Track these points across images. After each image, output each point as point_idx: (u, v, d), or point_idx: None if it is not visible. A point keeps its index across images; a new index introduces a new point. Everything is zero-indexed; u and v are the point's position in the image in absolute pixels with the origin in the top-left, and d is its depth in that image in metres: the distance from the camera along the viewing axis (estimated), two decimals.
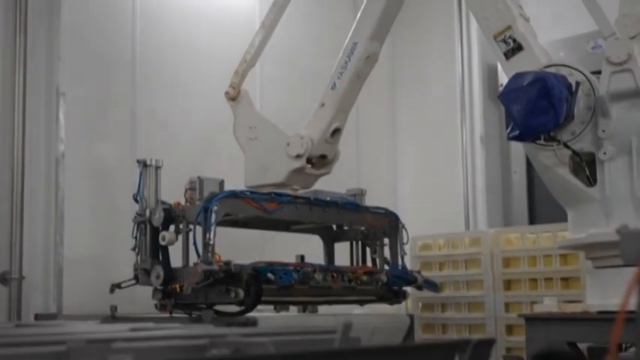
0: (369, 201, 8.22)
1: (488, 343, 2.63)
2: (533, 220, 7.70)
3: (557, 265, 6.05)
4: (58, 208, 5.99)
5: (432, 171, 8.31)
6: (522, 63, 4.02)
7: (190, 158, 6.70)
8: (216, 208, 5.04)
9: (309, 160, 5.49)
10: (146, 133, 6.64)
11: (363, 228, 6.22)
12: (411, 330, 6.87)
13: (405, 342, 6.17)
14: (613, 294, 3.79)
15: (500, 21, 4.10)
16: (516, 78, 3.89)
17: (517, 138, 3.84)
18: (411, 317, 6.95)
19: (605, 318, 4.07)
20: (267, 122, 5.74)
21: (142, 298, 6.00)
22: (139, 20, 6.67)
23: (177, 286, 5.11)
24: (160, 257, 5.30)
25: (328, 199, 5.90)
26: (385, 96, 8.48)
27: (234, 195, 5.27)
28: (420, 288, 6.19)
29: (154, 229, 5.30)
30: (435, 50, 8.27)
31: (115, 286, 5.51)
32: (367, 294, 5.90)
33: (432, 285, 6.19)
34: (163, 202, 5.34)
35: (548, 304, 5.14)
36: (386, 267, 6.13)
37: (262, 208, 5.35)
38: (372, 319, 6.71)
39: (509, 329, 6.21)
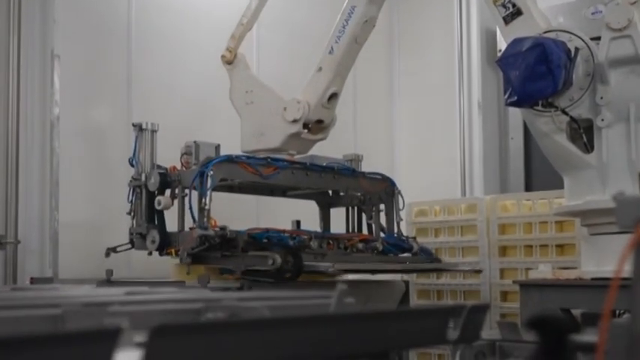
0: (366, 167, 8.22)
1: (483, 309, 2.65)
2: (529, 186, 7.72)
3: (552, 231, 6.08)
4: (54, 172, 5.99)
5: (428, 137, 8.32)
6: (521, 28, 4.02)
7: (186, 122, 6.68)
8: (212, 172, 5.05)
9: (305, 126, 5.46)
10: (142, 97, 6.60)
11: (359, 194, 6.20)
12: (406, 296, 6.90)
13: (400, 307, 6.19)
14: (608, 261, 3.81)
15: None
16: (515, 43, 3.89)
17: (515, 104, 3.85)
18: (406, 283, 6.98)
19: (599, 285, 4.10)
20: (264, 86, 5.71)
21: (138, 263, 6.04)
22: None
23: (173, 251, 5.14)
24: (156, 222, 5.31)
25: (324, 164, 5.89)
26: (383, 61, 8.46)
27: (230, 160, 5.26)
28: (415, 255, 6.17)
29: (149, 193, 5.31)
30: (433, 15, 8.25)
31: (111, 250, 5.53)
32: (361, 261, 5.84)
33: (427, 253, 6.21)
34: (159, 167, 5.35)
35: (543, 271, 5.16)
36: (382, 235, 6.15)
37: (258, 173, 5.35)
38: (366, 284, 6.74)
39: (504, 295, 6.25)
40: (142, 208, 5.35)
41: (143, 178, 5.35)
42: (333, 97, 5.49)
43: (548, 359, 2.52)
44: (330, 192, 6.26)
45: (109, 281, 5.18)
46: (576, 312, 4.56)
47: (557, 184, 4.79)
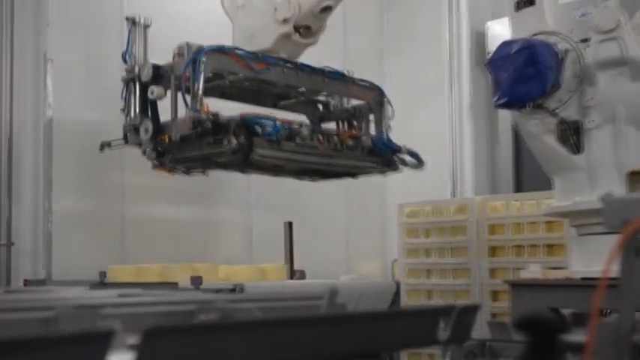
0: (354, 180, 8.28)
1: (473, 309, 2.65)
2: (518, 187, 7.74)
3: (541, 232, 6.09)
4: (47, 174, 5.98)
5: (419, 138, 8.31)
6: (529, 18, 3.98)
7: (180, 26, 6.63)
8: (204, 59, 4.97)
9: (296, 30, 5.44)
10: None
11: (349, 107, 6.06)
12: (396, 296, 6.92)
13: (391, 308, 6.20)
14: (596, 261, 3.82)
15: None
16: (504, 46, 3.90)
17: (504, 106, 3.86)
18: (397, 284, 7.00)
19: (588, 284, 4.11)
20: None
21: (131, 254, 6.06)
22: None
23: (166, 136, 5.07)
24: (149, 113, 5.23)
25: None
26: (374, 64, 8.47)
27: (221, 50, 5.18)
28: (403, 162, 6.06)
29: (142, 85, 5.22)
30: (423, 18, 8.26)
31: (105, 145, 5.49)
32: (352, 159, 5.76)
33: (415, 156, 6.09)
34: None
35: (533, 271, 5.17)
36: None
37: (250, 67, 5.26)
38: (358, 285, 6.75)
39: (494, 295, 6.26)
40: (136, 101, 5.25)
41: (136, 70, 5.24)
42: (327, 9, 5.42)
43: (537, 359, 2.53)
44: (321, 106, 6.09)
45: (102, 283, 5.18)
46: (566, 311, 4.57)
47: (546, 185, 4.80)
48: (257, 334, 2.00)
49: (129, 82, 5.28)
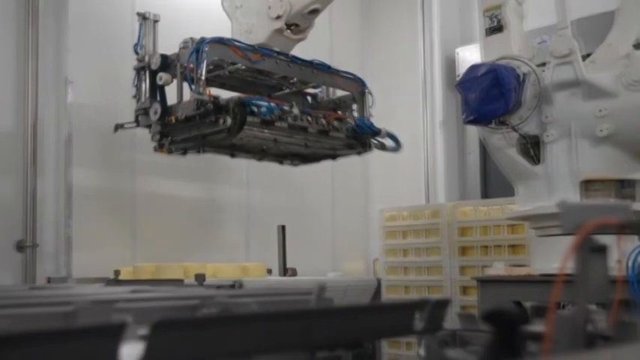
0: (344, 176, 8.27)
1: (445, 303, 2.64)
2: (485, 194, 7.74)
3: (505, 234, 6.10)
4: (67, 183, 5.97)
5: (398, 156, 8.32)
6: (496, 43, 3.98)
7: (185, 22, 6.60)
8: (206, 48, 5.01)
9: (288, 27, 5.47)
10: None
11: (335, 98, 6.05)
12: (377, 291, 6.91)
13: (372, 301, 6.18)
14: (554, 259, 3.82)
15: None
16: (472, 69, 3.90)
17: (472, 122, 3.86)
18: (378, 280, 6.99)
19: (546, 280, 4.10)
20: None
21: (142, 254, 6.05)
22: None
23: (173, 117, 5.14)
24: (158, 97, 5.29)
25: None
26: None
27: (222, 41, 5.22)
28: (383, 146, 6.08)
29: (152, 73, 5.30)
30: (401, 45, 8.26)
31: (119, 126, 5.61)
32: (338, 140, 5.76)
33: (394, 138, 6.09)
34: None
35: (498, 268, 5.17)
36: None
37: (247, 58, 5.29)
38: (343, 281, 6.73)
39: (464, 290, 6.26)
40: (146, 87, 5.34)
41: (147, 59, 5.34)
42: (315, 12, 5.46)
43: (501, 347, 2.53)
44: (310, 98, 6.05)
45: (116, 280, 5.15)
46: (527, 304, 4.57)
47: (509, 192, 4.79)
48: (254, 326, 1.99)
49: (140, 70, 5.38)
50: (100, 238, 6.15)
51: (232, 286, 4.31)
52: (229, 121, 4.94)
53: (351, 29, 7.69)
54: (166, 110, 5.20)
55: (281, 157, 6.06)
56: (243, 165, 7.28)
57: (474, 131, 6.94)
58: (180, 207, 6.77)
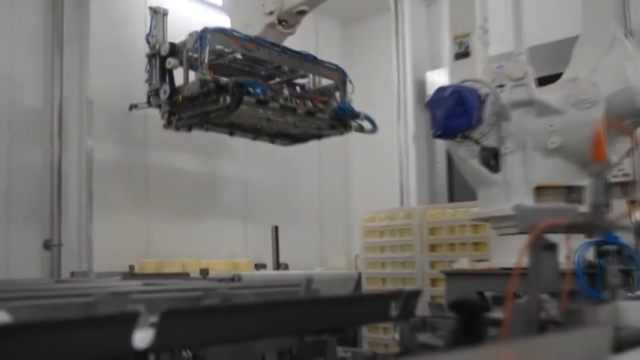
0: (329, 185, 8.27)
1: (416, 293, 2.64)
2: (451, 198, 7.74)
3: (469, 233, 6.11)
4: (88, 189, 5.95)
5: (375, 162, 8.34)
6: (462, 68, 3.96)
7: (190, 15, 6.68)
8: (209, 36, 5.06)
9: (279, 22, 5.48)
10: (158, 138, 6.56)
11: (320, 86, 6.04)
12: (358, 283, 6.90)
13: (354, 292, 6.17)
14: (511, 255, 3.81)
15: (463, 26, 3.99)
16: (439, 90, 3.89)
17: (440, 136, 3.85)
18: (359, 273, 6.98)
19: (505, 273, 4.11)
20: None
21: (155, 251, 6.02)
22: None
23: (179, 96, 5.17)
24: (167, 80, 5.33)
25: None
26: None
27: (223, 31, 5.28)
28: (361, 128, 6.08)
29: (161, 59, 5.32)
30: (378, 69, 8.27)
31: (133, 106, 5.65)
32: (323, 121, 5.77)
33: (371, 121, 6.08)
34: None
35: (463, 263, 5.19)
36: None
37: (244, 47, 5.31)
38: (328, 274, 6.73)
39: (433, 282, 6.26)
40: (157, 72, 5.36)
41: (157, 46, 5.38)
42: (302, 12, 5.48)
43: (465, 332, 2.53)
44: (298, 88, 5.91)
45: (131, 274, 5.13)
46: (488, 294, 4.57)
47: (472, 196, 4.79)
48: (250, 314, 1.98)
49: (151, 57, 5.41)
50: (117, 237, 6.13)
51: (232, 280, 4.29)
52: (228, 99, 4.96)
53: (333, 53, 7.66)
54: (174, 90, 5.24)
55: (273, 136, 6.06)
56: (241, 171, 7.28)
57: (441, 144, 6.96)
58: (187, 205, 6.75)
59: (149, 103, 5.45)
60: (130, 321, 1.60)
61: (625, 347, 1.49)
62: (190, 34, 5.21)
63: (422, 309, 3.13)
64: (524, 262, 2.29)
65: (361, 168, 8.62)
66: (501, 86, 3.69)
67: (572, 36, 3.92)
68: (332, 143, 8.46)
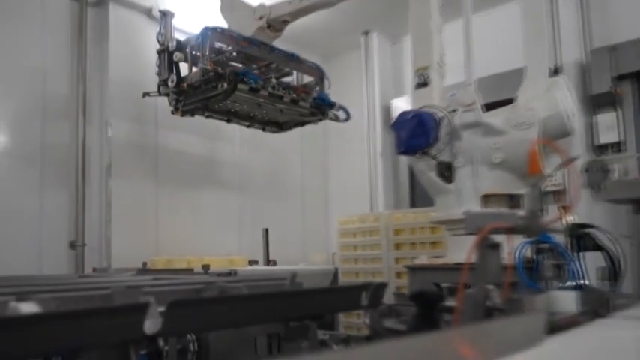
0: (311, 194, 8.25)
1: (383, 285, 2.65)
2: (413, 205, 7.76)
3: (428, 233, 6.11)
4: (107, 198, 5.92)
5: (350, 174, 8.36)
6: (422, 96, 3.94)
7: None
8: (209, 34, 5.10)
9: (268, 26, 5.50)
10: (169, 166, 6.53)
11: (302, 83, 5.93)
12: (335, 276, 6.88)
13: (331, 284, 6.16)
14: (462, 252, 3.83)
15: (423, 61, 3.98)
16: (402, 114, 3.89)
17: (403, 153, 3.85)
18: (336, 268, 6.97)
19: (457, 267, 4.11)
20: (241, 2, 5.79)
21: (165, 250, 5.98)
22: None
23: (185, 84, 5.19)
24: (174, 70, 5.34)
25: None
26: (318, 133, 8.48)
27: (220, 30, 5.28)
28: (337, 117, 6.03)
29: (169, 53, 5.36)
30: (351, 97, 8.26)
31: (146, 94, 5.62)
32: (304, 109, 5.75)
33: (345, 110, 6.06)
34: None
35: (422, 259, 5.17)
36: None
37: (238, 44, 5.32)
38: (310, 269, 6.71)
39: (398, 275, 6.25)
40: (165, 65, 5.38)
41: (166, 44, 5.41)
42: (285, 22, 5.54)
43: (425, 318, 2.53)
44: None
45: (144, 270, 5.08)
46: (444, 285, 4.57)
47: (430, 203, 4.81)
48: (244, 304, 1.98)
49: (160, 53, 5.44)
50: (132, 238, 6.09)
51: (229, 274, 4.26)
52: (225, 85, 4.98)
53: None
54: (180, 79, 5.27)
55: (263, 124, 6.05)
56: (236, 179, 7.26)
57: (404, 159, 6.97)
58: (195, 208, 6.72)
59: (159, 91, 5.47)
60: (141, 310, 1.59)
61: (557, 330, 1.49)
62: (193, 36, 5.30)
63: (388, 298, 3.14)
64: (473, 258, 2.30)
65: (338, 179, 8.63)
66: (454, 111, 3.70)
67: (513, 69, 3.95)
68: (314, 161, 8.51)
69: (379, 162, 7.90)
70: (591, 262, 3.41)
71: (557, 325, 1.81)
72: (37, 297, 1.80)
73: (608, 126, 6.21)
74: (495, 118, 3.49)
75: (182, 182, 6.63)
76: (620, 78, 6.16)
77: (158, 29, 5.57)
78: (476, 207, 3.27)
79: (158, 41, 5.52)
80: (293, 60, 5.82)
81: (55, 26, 5.92)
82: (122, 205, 6.01)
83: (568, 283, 2.74)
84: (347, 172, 8.42)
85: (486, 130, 3.49)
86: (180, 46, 5.34)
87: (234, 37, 5.32)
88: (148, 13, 6.41)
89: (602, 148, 6.19)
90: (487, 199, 3.34)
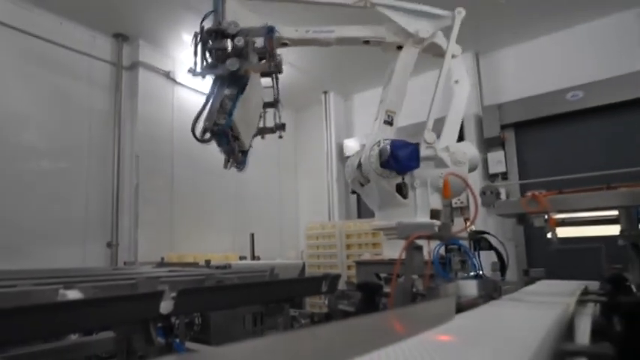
0: (286, 207, 8.18)
1: (338, 276, 2.63)
2: (359, 216, 7.77)
3: (370, 237, 6.12)
4: (135, 209, 5.80)
5: (314, 194, 8.35)
6: (384, 131, 3.80)
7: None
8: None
9: None
10: (181, 197, 6.44)
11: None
12: (303, 269, 6.83)
13: (300, 275, 6.12)
14: (396, 251, 3.80)
15: (394, 106, 3.84)
16: (398, 141, 3.58)
17: (399, 170, 3.60)
18: (304, 263, 6.92)
19: (392, 262, 4.09)
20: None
21: (178, 248, 5.86)
22: (175, 123, 6.47)
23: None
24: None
25: None
26: (291, 163, 8.50)
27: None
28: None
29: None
30: (315, 139, 8.33)
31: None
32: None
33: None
34: None
35: (366, 256, 5.17)
36: None
37: None
38: (284, 263, 6.65)
39: (349, 268, 6.24)
40: None
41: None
42: (285, 44, 3.89)
43: (367, 302, 2.51)
44: None
45: (161, 263, 4.98)
46: (382, 276, 4.56)
47: (371, 215, 4.81)
48: (235, 291, 1.95)
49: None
50: (153, 238, 5.97)
51: (225, 267, 4.20)
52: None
53: (289, 129, 7.70)
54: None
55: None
56: (232, 190, 7.18)
57: (344, 181, 6.99)
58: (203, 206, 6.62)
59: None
60: (158, 296, 1.56)
61: (463, 309, 1.50)
62: None
63: (341, 285, 3.12)
64: (403, 255, 2.30)
65: (306, 197, 8.62)
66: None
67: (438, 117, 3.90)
68: (289, 182, 8.48)
69: (335, 184, 7.91)
70: (486, 259, 3.44)
71: (463, 306, 1.82)
72: (79, 286, 1.75)
73: (498, 160, 6.39)
74: (444, 154, 3.40)
75: (190, 196, 6.54)
76: (504, 127, 6.38)
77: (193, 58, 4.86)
78: (427, 217, 3.19)
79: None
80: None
81: (98, 84, 5.84)
82: (146, 214, 5.90)
83: (470, 274, 2.75)
84: (312, 192, 8.42)
85: (437, 163, 3.42)
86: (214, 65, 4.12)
87: None
88: (166, 75, 6.37)
89: (493, 177, 6.35)
90: (435, 212, 3.31)
